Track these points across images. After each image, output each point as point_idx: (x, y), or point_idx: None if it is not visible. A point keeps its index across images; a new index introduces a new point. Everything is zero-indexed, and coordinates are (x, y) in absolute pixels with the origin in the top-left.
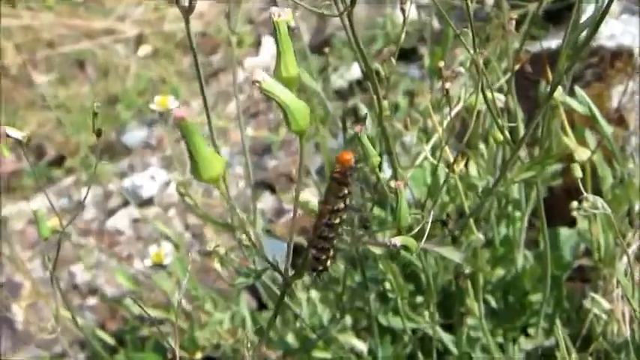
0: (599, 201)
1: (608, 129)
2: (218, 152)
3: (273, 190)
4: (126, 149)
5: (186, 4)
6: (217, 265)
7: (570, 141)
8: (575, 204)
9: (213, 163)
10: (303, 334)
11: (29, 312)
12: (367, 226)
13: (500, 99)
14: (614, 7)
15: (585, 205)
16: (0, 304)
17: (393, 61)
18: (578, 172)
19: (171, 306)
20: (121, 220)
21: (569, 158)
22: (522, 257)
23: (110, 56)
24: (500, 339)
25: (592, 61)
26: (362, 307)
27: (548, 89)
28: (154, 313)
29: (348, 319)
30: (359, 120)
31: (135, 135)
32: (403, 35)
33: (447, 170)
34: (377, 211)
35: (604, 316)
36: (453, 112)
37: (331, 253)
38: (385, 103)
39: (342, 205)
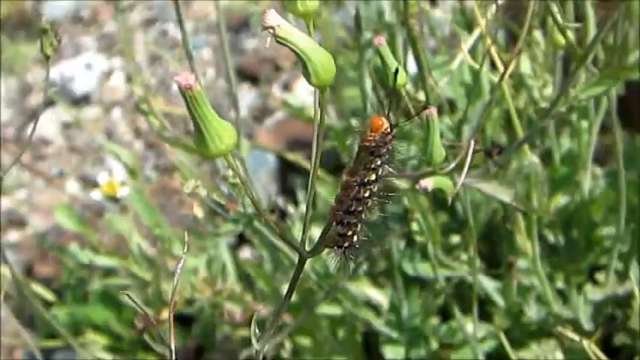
0: None
1: None
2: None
3: (253, 80)
4: (48, 24)
5: None
6: (197, 210)
7: None
8: None
9: (222, 134)
10: (304, 284)
11: None
12: None
13: None
14: None
15: None
16: None
17: None
18: None
19: (129, 251)
20: (47, 125)
21: None
22: (590, 179)
23: None
24: (560, 285)
25: None
26: (381, 249)
27: None
28: (107, 261)
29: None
30: None
31: (60, 4)
32: None
33: (493, 70)
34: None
35: None
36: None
37: (359, 227)
38: None
39: (373, 177)
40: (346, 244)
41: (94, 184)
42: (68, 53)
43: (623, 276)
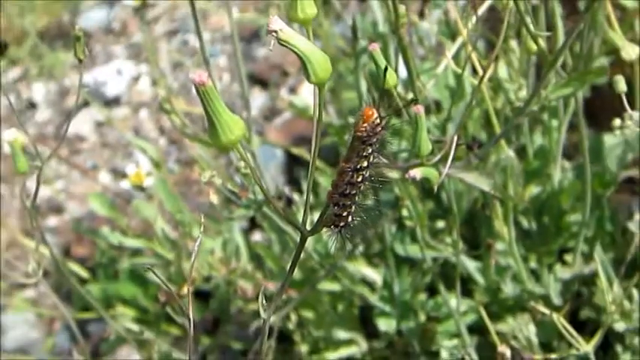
0: None
1: None
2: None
3: (263, 84)
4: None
5: None
6: (213, 198)
7: (617, 36)
8: (617, 122)
9: (232, 126)
10: (307, 263)
11: None
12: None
13: None
14: None
15: (630, 122)
16: None
17: None
18: (622, 86)
19: (154, 233)
20: (82, 124)
21: (615, 56)
22: (560, 171)
23: None
24: (533, 265)
25: None
26: (375, 232)
27: None
28: (135, 243)
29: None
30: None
31: (93, 17)
32: None
33: (474, 75)
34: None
35: None
36: (481, 11)
37: (353, 208)
38: (402, 8)
39: (365, 164)
40: (342, 224)
41: (124, 175)
42: (101, 60)
43: (588, 257)
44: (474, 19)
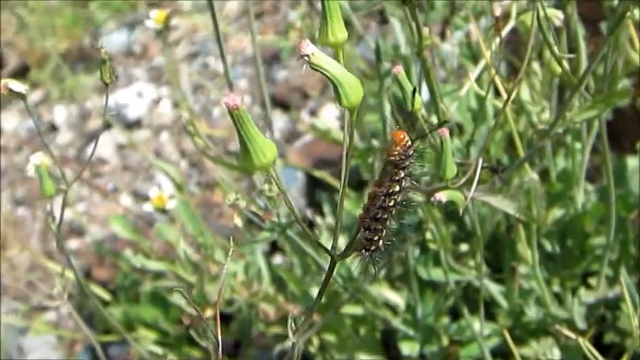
0: None
1: None
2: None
3: (284, 107)
4: (107, 55)
5: None
6: (237, 221)
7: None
8: None
9: (264, 150)
10: (331, 287)
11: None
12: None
13: (558, 17)
14: None
15: None
16: None
17: None
18: None
19: (176, 256)
20: (103, 147)
21: (638, 76)
22: (583, 194)
23: None
24: (557, 289)
25: None
26: (398, 256)
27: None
28: (157, 266)
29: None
30: (384, 21)
31: (114, 40)
32: None
33: (496, 97)
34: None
35: None
36: (503, 33)
37: (384, 233)
38: (426, 30)
39: (397, 188)
40: (373, 248)
41: (145, 198)
42: (122, 83)
43: (612, 281)
44: (497, 40)
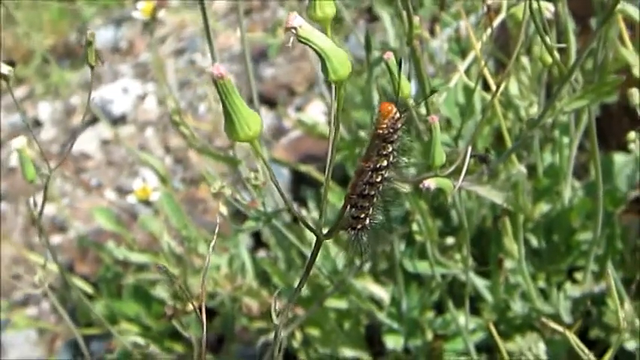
0: None
1: None
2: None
3: (271, 104)
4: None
5: None
6: (223, 209)
7: (629, 53)
8: (632, 134)
9: (249, 121)
10: (315, 280)
11: None
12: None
13: (549, 9)
14: None
15: None
16: None
17: None
18: (636, 99)
19: (160, 249)
20: (88, 142)
21: (627, 73)
22: (570, 189)
23: None
24: (542, 284)
25: None
26: (383, 250)
27: None
28: (140, 258)
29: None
30: (373, 19)
31: (100, 36)
32: None
33: (484, 91)
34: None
35: None
36: (494, 24)
37: (371, 211)
38: (416, 19)
39: (385, 163)
40: (359, 226)
41: (129, 192)
42: (107, 79)
43: (598, 276)
44: (487, 32)
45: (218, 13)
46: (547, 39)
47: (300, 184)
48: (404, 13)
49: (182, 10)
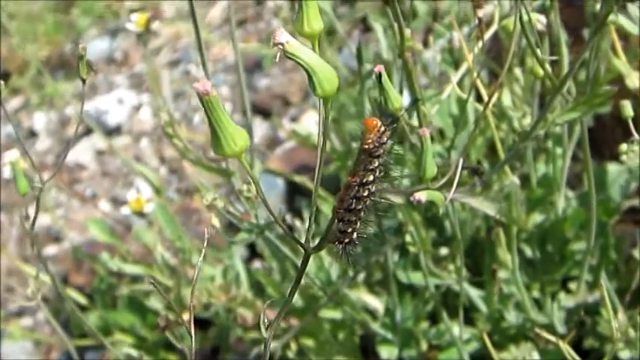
0: None
1: None
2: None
3: (265, 114)
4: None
5: None
6: (215, 221)
7: (621, 64)
8: (624, 146)
9: (235, 137)
10: (309, 291)
11: None
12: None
13: (540, 21)
14: None
15: (637, 147)
16: None
17: None
18: (628, 111)
19: (154, 260)
20: (83, 153)
21: (620, 84)
22: (563, 199)
23: None
24: (536, 294)
25: None
26: (377, 260)
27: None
28: (134, 269)
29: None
30: (367, 30)
31: (95, 47)
32: None
33: (477, 102)
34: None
35: None
36: (486, 36)
37: (358, 225)
38: (408, 32)
39: (371, 178)
40: (346, 240)
41: (123, 203)
42: (102, 90)
43: (592, 286)
44: (479, 44)
45: (212, 24)
46: (538, 51)
47: (295, 194)
48: (395, 26)
49: (177, 21)
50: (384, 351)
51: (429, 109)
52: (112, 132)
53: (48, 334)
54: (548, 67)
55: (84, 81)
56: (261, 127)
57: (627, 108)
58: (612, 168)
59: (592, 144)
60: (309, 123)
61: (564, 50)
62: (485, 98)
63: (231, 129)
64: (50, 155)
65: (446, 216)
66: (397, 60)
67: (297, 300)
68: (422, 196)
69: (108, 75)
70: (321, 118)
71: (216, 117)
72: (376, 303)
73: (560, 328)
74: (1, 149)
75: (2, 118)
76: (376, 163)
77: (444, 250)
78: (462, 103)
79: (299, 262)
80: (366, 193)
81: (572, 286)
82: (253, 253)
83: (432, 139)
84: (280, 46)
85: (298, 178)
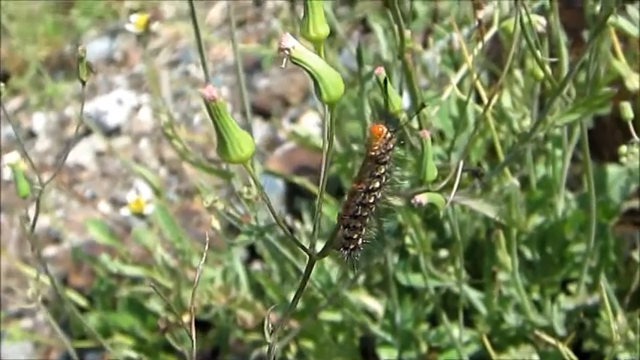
0: None
1: None
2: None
3: (265, 115)
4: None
5: None
6: (215, 223)
7: (621, 65)
8: (624, 148)
9: (241, 143)
10: (309, 293)
11: None
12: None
13: (540, 23)
14: None
15: (636, 149)
16: None
17: None
18: (628, 113)
19: (154, 262)
20: (82, 153)
21: (619, 86)
22: (563, 201)
23: None
24: (536, 296)
25: None
26: (377, 262)
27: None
28: (134, 271)
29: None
30: (367, 31)
31: (95, 47)
32: None
33: (477, 104)
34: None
35: None
36: (486, 38)
37: (364, 231)
38: (408, 33)
39: (377, 185)
40: (352, 247)
41: (123, 204)
42: (102, 90)
43: (592, 288)
44: (479, 45)
45: (212, 24)
46: (538, 53)
47: (295, 195)
48: (395, 27)
49: (176, 22)
50: (383, 353)
51: (429, 111)
52: (111, 133)
53: (48, 335)
54: (548, 68)
55: (83, 82)
56: (260, 128)
57: (627, 110)
58: (612, 170)
59: (592, 145)
60: (309, 124)
61: (564, 52)
62: (485, 100)
63: (238, 134)
64: (50, 156)
65: (446, 218)
66: (397, 61)
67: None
68: (422, 198)
69: (107, 75)
70: (325, 124)
71: (223, 123)
72: (376, 305)
73: (560, 330)
74: (1, 150)
75: (2, 119)
76: (382, 170)
77: (443, 252)
78: (461, 105)
79: (299, 264)
80: (372, 200)
81: (572, 288)
82: (253, 254)
83: (432, 140)
84: (286, 52)
85: (298, 180)
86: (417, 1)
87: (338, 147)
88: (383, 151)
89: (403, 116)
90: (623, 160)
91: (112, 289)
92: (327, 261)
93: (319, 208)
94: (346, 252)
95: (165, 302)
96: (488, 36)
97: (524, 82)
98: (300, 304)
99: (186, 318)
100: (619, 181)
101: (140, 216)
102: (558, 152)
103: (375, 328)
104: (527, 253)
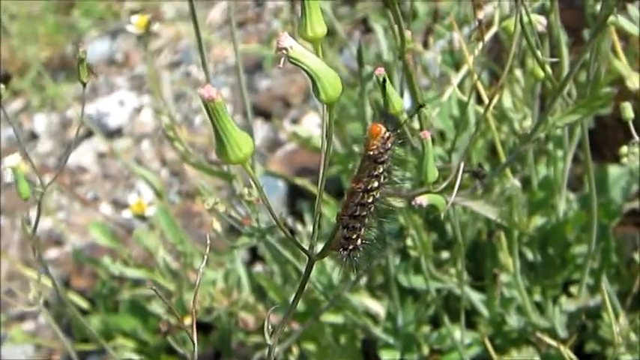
0: None
1: None
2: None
3: (266, 116)
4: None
5: None
6: (217, 225)
7: (622, 65)
8: (625, 148)
9: (240, 144)
10: (310, 295)
11: None
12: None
13: (541, 22)
14: None
15: (637, 150)
16: None
17: None
18: (629, 113)
19: (155, 264)
20: (84, 155)
21: (620, 85)
22: (565, 202)
23: None
24: (538, 298)
25: None
26: (379, 264)
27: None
28: (136, 273)
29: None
30: (368, 31)
31: (96, 48)
32: None
33: (478, 104)
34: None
35: None
36: (486, 38)
37: (363, 231)
38: (408, 33)
39: (376, 184)
40: (351, 247)
41: (125, 207)
42: (103, 92)
43: (594, 290)
44: (479, 45)
45: (213, 25)
46: (538, 53)
47: (296, 196)
48: (396, 27)
49: (177, 23)
50: (385, 355)
51: (429, 112)
52: (113, 134)
53: (49, 338)
54: (548, 68)
55: (84, 84)
56: (261, 129)
57: (628, 110)
58: (613, 170)
59: (593, 146)
60: (310, 125)
61: (564, 51)
62: (486, 100)
63: (237, 135)
64: (51, 158)
65: (447, 219)
66: (398, 61)
67: (298, 304)
68: (423, 200)
69: (108, 77)
70: (324, 124)
71: (222, 123)
72: (378, 307)
73: (562, 332)
74: (2, 152)
75: (3, 121)
76: (381, 169)
77: (445, 254)
78: (462, 105)
79: (300, 266)
80: (370, 200)
81: (574, 289)
82: (255, 256)
83: (433, 141)
84: (284, 52)
85: (299, 181)
86: (417, 0)
87: (339, 147)
88: (381, 150)
89: (404, 117)
90: (625, 160)
91: (114, 291)
92: (329, 262)
93: (318, 208)
94: (345, 253)
95: (167, 305)
96: (488, 36)
97: (525, 82)
98: (301, 307)
99: (187, 320)
100: (620, 182)
101: (142, 218)
102: (559, 153)
103: (377, 331)
104: (529, 255)
